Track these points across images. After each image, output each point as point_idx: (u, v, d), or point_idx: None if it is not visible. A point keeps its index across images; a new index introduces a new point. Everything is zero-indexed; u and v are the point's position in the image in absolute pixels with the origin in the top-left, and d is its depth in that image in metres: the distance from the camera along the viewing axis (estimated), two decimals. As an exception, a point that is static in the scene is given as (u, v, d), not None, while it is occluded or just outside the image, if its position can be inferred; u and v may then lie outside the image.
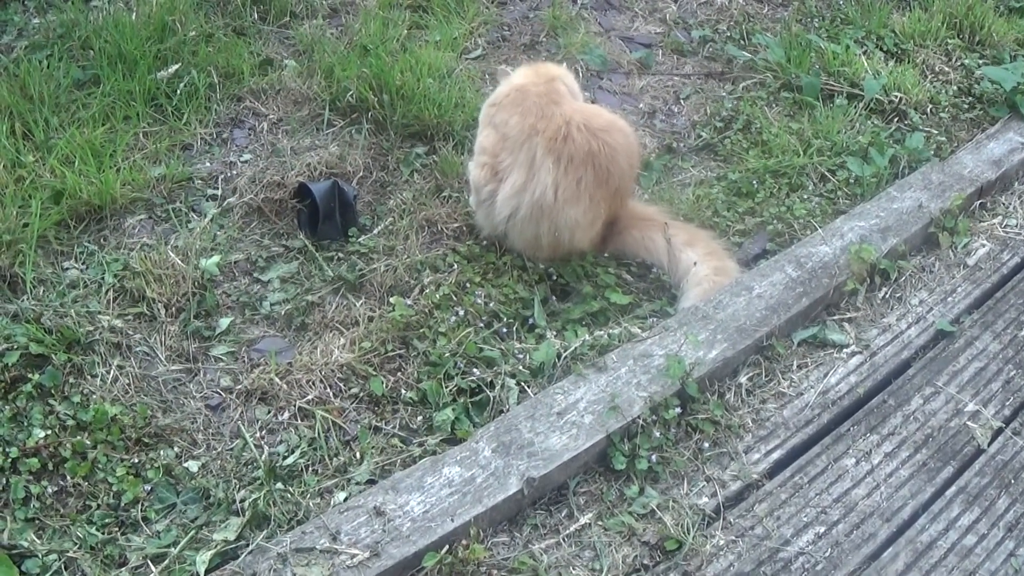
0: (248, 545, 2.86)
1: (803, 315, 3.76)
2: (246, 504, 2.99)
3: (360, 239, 3.98)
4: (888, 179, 4.53)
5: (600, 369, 3.41)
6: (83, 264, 3.74)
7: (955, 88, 5.31)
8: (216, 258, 3.80)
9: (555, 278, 3.87)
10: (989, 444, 3.43)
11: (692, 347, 3.50)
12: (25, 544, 2.84)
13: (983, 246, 4.26)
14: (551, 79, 3.95)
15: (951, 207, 4.27)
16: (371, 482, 3.10)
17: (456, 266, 3.89)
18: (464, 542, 2.88)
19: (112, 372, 3.38)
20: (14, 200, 3.80)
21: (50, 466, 3.06)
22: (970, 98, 5.27)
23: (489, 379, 3.42)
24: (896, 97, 5.08)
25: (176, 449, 3.19)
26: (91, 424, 3.17)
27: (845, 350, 3.71)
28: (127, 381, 3.37)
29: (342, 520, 2.87)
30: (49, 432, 3.12)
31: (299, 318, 3.67)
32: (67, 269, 3.71)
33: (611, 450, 3.21)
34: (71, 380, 3.32)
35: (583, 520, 3.07)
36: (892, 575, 2.98)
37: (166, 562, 2.84)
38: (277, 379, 3.41)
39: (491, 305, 3.70)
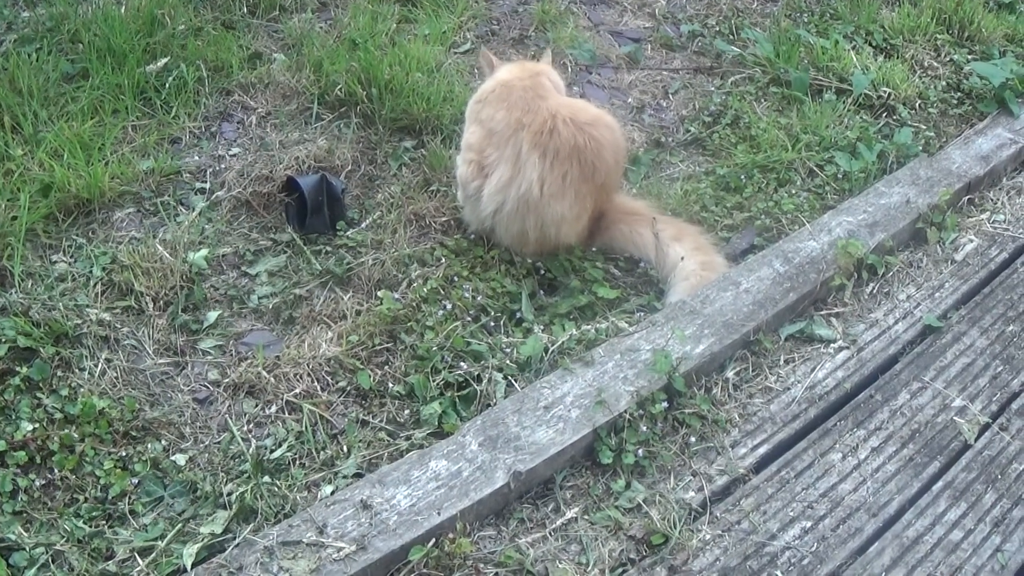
0: (235, 538, 2.87)
1: (790, 310, 3.76)
2: (233, 497, 2.99)
3: (348, 233, 3.98)
4: (876, 174, 4.54)
5: (587, 363, 3.41)
6: (71, 257, 3.74)
7: (944, 84, 5.32)
8: (204, 252, 3.80)
9: (543, 272, 3.88)
10: (976, 439, 3.43)
11: (679, 342, 3.51)
12: (12, 537, 2.84)
13: (971, 241, 4.27)
14: (536, 74, 3.96)
15: (939, 202, 4.28)
16: (358, 476, 3.10)
17: (444, 260, 3.89)
18: (450, 536, 2.88)
19: (100, 365, 3.38)
20: (2, 194, 3.80)
21: (37, 459, 3.06)
22: (959, 94, 5.28)
23: (476, 373, 3.42)
24: (885, 92, 5.10)
25: (163, 442, 3.19)
26: (79, 417, 3.17)
27: (832, 345, 3.72)
28: (115, 374, 3.37)
29: (329, 513, 2.87)
30: (37, 425, 3.12)
31: (287, 312, 3.67)
32: (55, 262, 3.70)
33: (598, 444, 3.22)
34: (59, 373, 3.32)
35: (569, 514, 3.07)
36: (878, 570, 2.99)
37: (153, 555, 2.84)
38: (265, 373, 3.41)
39: (479, 299, 3.71)
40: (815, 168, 4.57)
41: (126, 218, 3.94)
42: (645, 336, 3.54)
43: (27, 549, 2.82)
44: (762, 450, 3.33)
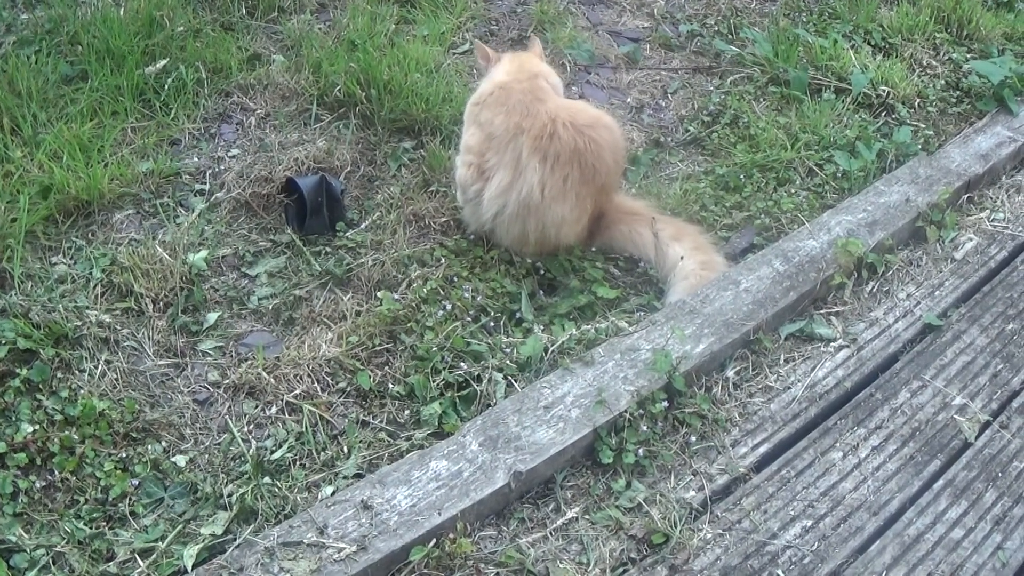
0: (235, 539, 2.87)
1: (790, 309, 3.76)
2: (234, 498, 2.99)
3: (347, 234, 3.98)
4: (876, 173, 4.54)
5: (587, 363, 3.41)
6: (71, 259, 3.74)
7: (943, 82, 5.32)
8: (204, 253, 3.80)
9: (542, 272, 3.88)
10: (976, 438, 3.43)
11: (679, 341, 3.51)
12: (13, 539, 2.84)
13: (970, 240, 4.27)
14: (534, 76, 3.96)
15: (938, 201, 4.28)
16: (358, 476, 3.10)
17: (443, 260, 3.89)
18: (451, 536, 2.88)
19: (100, 367, 3.38)
20: (2, 196, 3.79)
21: (38, 461, 3.05)
22: (958, 92, 5.28)
23: (476, 373, 3.42)
24: (884, 91, 5.10)
25: (164, 444, 3.19)
26: (79, 419, 3.17)
27: (832, 344, 3.72)
28: (115, 376, 3.36)
29: (329, 514, 2.87)
30: (37, 427, 3.11)
31: (287, 313, 3.67)
32: (55, 264, 3.70)
33: (598, 444, 3.22)
34: (59, 375, 3.32)
35: (570, 514, 3.07)
36: (879, 568, 2.99)
37: (153, 556, 2.85)
38: (265, 373, 3.41)
39: (478, 299, 3.71)
40: (814, 167, 4.58)
41: (125, 220, 3.94)
42: (645, 336, 3.54)
43: (28, 551, 2.82)
44: (763, 449, 3.33)
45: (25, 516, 2.93)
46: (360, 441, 3.24)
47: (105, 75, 4.43)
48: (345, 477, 3.12)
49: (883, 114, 5.04)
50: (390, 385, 3.42)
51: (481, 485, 3.00)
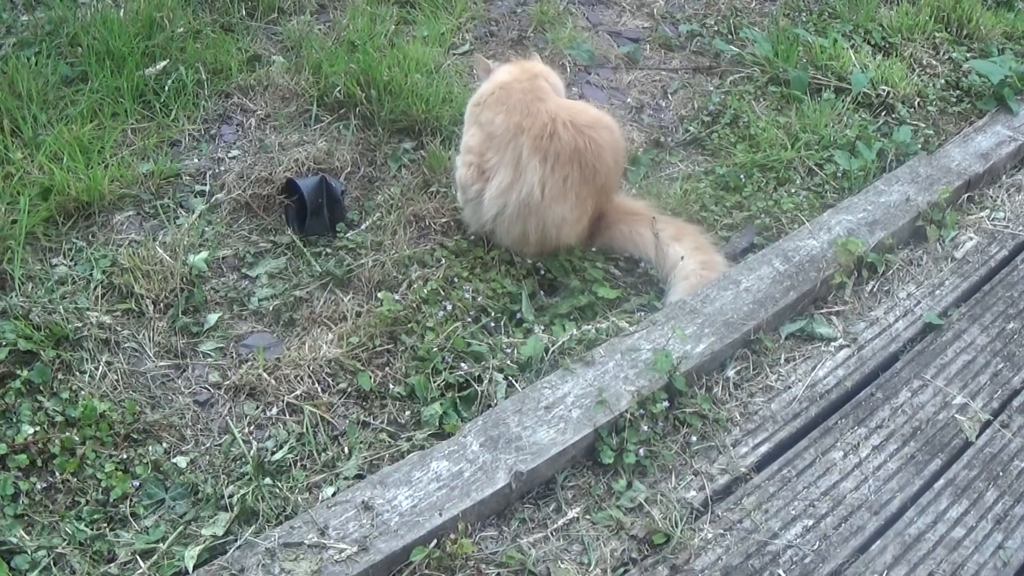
0: (236, 540, 2.86)
1: (790, 309, 3.76)
2: (234, 499, 2.99)
3: (348, 234, 3.97)
4: (876, 173, 4.54)
5: (588, 363, 3.41)
6: (71, 260, 3.74)
7: (943, 82, 5.32)
8: (204, 254, 3.80)
9: (543, 273, 3.88)
10: (977, 437, 3.43)
11: (679, 341, 3.51)
12: (14, 540, 2.83)
13: (971, 239, 4.27)
14: (534, 76, 3.96)
15: (939, 200, 4.27)
16: (359, 477, 3.10)
17: (444, 261, 3.89)
18: (452, 536, 2.88)
19: (100, 368, 3.38)
20: (2, 197, 3.79)
21: (39, 462, 3.05)
22: (958, 91, 5.28)
23: (477, 374, 3.42)
24: (884, 91, 5.10)
25: (164, 445, 3.19)
26: (80, 420, 3.17)
27: (833, 343, 3.72)
28: (115, 377, 3.36)
29: (330, 515, 2.87)
30: (38, 428, 3.11)
31: (287, 314, 3.67)
32: (55, 265, 3.70)
33: (599, 444, 3.22)
34: (60, 376, 3.32)
35: (571, 514, 3.07)
36: (880, 568, 2.99)
37: (154, 557, 2.84)
38: (265, 375, 3.41)
39: (479, 300, 3.71)
40: (814, 167, 4.57)
41: (126, 221, 3.94)
42: (645, 336, 3.54)
43: (29, 552, 2.82)
44: (763, 449, 3.33)
45: (26, 517, 2.93)
46: (361, 442, 3.24)
47: (105, 76, 4.43)
48: (346, 478, 3.12)
49: (883, 113, 5.04)
50: (391, 386, 3.42)
51: (482, 485, 3.00)
